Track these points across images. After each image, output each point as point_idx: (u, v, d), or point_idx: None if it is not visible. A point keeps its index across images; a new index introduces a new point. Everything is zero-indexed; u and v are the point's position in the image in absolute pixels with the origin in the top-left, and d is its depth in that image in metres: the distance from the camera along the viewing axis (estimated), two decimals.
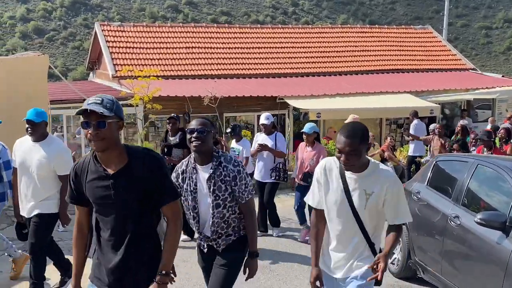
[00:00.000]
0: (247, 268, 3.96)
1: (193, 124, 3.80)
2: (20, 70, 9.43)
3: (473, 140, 10.75)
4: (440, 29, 28.28)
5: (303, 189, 7.65)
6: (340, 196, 3.45)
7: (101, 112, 2.78)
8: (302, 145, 8.10)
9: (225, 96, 14.37)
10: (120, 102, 10.34)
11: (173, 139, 8.35)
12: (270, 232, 8.43)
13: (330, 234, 3.62)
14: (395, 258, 6.64)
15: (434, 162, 6.76)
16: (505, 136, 10.25)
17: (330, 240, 3.63)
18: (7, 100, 8.91)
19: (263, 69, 19.30)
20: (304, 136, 7.96)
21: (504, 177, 5.21)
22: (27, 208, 5.30)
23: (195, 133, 3.73)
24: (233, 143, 8.97)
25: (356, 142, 3.26)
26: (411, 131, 13.12)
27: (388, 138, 14.38)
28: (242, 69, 19.00)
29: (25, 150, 5.20)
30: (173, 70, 18.02)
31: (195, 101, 14.42)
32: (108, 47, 18.25)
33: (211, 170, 3.78)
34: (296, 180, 8.12)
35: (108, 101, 2.91)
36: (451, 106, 19.42)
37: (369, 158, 3.47)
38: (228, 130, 9.13)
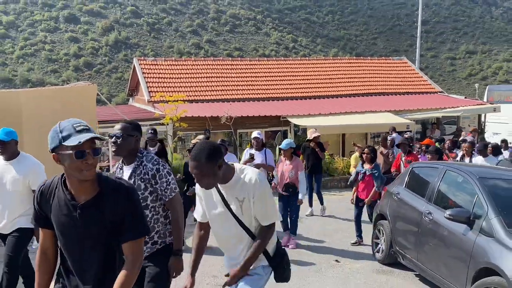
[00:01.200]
0: (171, 267, 3.31)
1: (114, 128, 3.31)
2: (74, 97, 9.53)
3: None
4: (413, 59, 28.24)
5: (286, 199, 7.37)
6: (221, 207, 3.02)
7: (101, 142, 2.18)
8: (282, 159, 7.59)
9: (238, 116, 14.45)
10: (154, 122, 10.41)
11: (152, 150, 7.44)
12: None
13: (219, 243, 3.22)
14: (380, 247, 6.61)
15: (410, 168, 6.75)
16: (452, 146, 10.25)
17: (223, 248, 3.24)
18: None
19: (269, 94, 19.34)
20: (281, 152, 7.51)
21: (468, 180, 5.20)
22: (5, 225, 4.46)
23: (113, 137, 3.27)
24: None
25: (201, 164, 2.78)
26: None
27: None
28: (252, 94, 19.06)
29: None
30: (196, 95, 18.10)
31: (214, 120, 14.49)
32: (144, 77, 18.38)
33: (132, 169, 3.31)
34: (278, 189, 7.47)
35: (89, 126, 2.26)
36: (424, 122, 19.36)
37: (236, 166, 3.00)
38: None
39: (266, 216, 3.01)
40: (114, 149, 3.30)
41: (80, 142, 2.15)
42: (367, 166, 7.49)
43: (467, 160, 8.68)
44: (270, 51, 62.97)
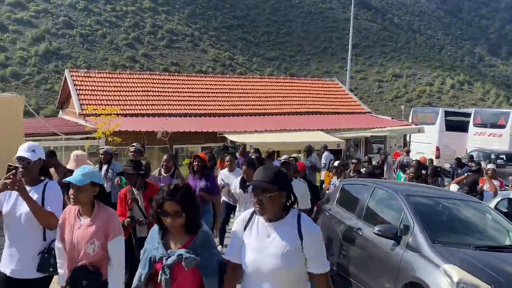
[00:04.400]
0: None
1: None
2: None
3: None
4: (344, 81, 29.31)
5: None
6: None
7: None
8: (70, 209, 3.35)
9: (174, 131, 14.23)
10: (85, 136, 9.99)
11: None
12: None
13: None
14: None
15: (341, 185, 6.91)
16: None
17: None
18: None
19: (206, 110, 19.26)
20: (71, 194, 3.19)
21: (395, 197, 5.40)
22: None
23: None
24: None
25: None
26: (323, 160, 13.42)
27: None
28: (188, 109, 18.88)
29: None
30: (131, 109, 17.64)
31: (150, 135, 14.17)
32: (76, 89, 17.67)
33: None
34: (64, 277, 3.30)
35: None
36: (353, 141, 20.02)
37: None
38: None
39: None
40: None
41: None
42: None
43: None
44: (207, 67, 62.92)
